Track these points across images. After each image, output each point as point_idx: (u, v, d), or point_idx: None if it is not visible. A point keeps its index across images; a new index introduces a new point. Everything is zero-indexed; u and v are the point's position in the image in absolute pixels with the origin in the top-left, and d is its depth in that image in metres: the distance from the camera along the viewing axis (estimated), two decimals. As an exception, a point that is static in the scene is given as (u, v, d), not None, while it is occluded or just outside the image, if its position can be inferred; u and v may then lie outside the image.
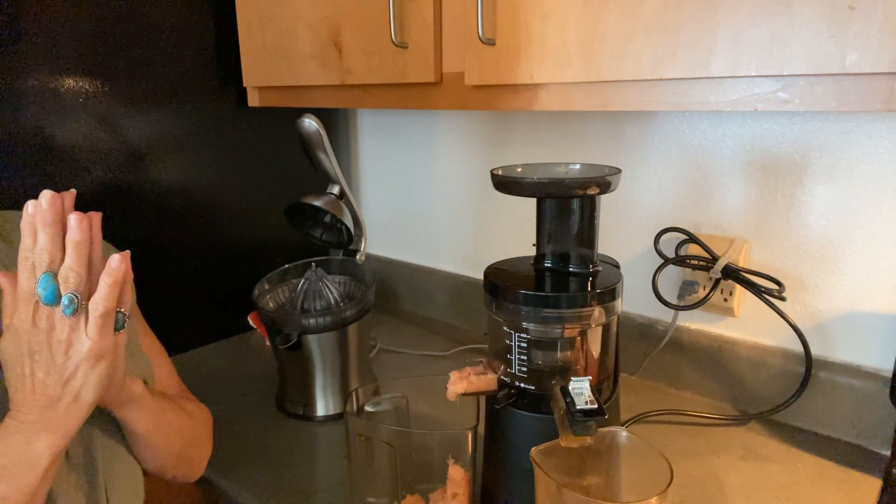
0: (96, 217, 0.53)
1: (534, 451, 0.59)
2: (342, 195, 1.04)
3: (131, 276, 0.54)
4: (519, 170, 0.70)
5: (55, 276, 0.50)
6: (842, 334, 0.88)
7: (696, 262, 0.93)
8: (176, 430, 0.68)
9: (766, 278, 0.88)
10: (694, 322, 1.01)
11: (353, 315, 0.94)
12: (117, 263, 0.51)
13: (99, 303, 0.51)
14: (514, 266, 0.72)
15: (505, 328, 0.66)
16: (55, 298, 0.50)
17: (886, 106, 0.54)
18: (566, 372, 0.66)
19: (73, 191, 0.53)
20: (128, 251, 0.54)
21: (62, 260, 0.51)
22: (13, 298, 0.51)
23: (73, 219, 0.50)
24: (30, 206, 0.50)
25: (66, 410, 0.52)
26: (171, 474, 0.72)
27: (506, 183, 0.65)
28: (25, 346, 0.51)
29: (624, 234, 1.06)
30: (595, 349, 0.67)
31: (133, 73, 1.04)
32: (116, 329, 0.54)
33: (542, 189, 0.65)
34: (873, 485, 0.78)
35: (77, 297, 0.51)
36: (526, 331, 0.65)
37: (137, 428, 0.63)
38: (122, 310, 0.54)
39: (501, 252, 0.79)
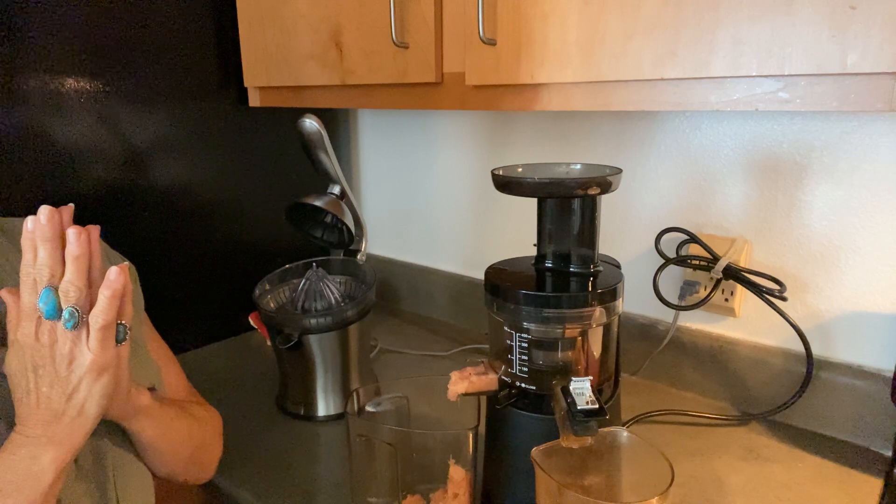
0: (94, 231, 0.53)
1: (535, 451, 0.59)
2: (343, 195, 1.04)
3: (130, 287, 0.54)
4: (520, 170, 0.70)
5: (56, 290, 0.51)
6: (843, 334, 0.88)
7: (697, 263, 0.93)
8: (185, 437, 0.68)
9: (768, 278, 0.88)
10: (695, 322, 1.01)
11: (353, 315, 0.94)
12: (115, 276, 0.52)
13: (99, 316, 0.51)
14: (514, 266, 0.72)
15: (506, 328, 0.66)
16: (56, 313, 0.51)
17: (888, 106, 0.54)
18: (567, 372, 0.66)
19: (72, 205, 0.53)
20: (126, 263, 0.54)
21: (62, 274, 0.51)
22: (17, 314, 0.52)
23: (72, 233, 0.51)
24: (29, 222, 0.51)
25: (71, 424, 0.53)
26: (182, 478, 0.73)
27: (507, 183, 0.65)
28: (29, 360, 0.51)
29: (625, 234, 1.05)
30: (596, 349, 0.67)
31: (133, 73, 1.04)
32: (118, 341, 0.54)
33: (542, 189, 0.65)
34: (874, 485, 0.78)
35: (78, 310, 0.51)
36: (527, 331, 0.65)
37: (146, 437, 0.63)
38: (123, 322, 0.54)
39: (502, 252, 0.79)
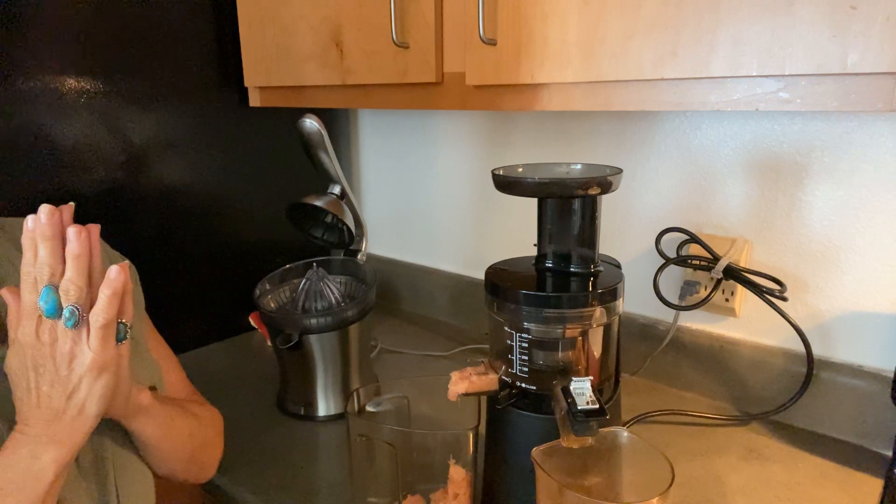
0: (95, 229, 0.53)
1: (535, 451, 0.59)
2: (343, 195, 1.04)
3: (131, 286, 0.54)
4: (520, 170, 0.70)
5: (56, 289, 0.51)
6: (843, 334, 0.88)
7: (697, 263, 0.93)
8: (186, 436, 0.68)
9: (768, 278, 0.88)
10: (695, 322, 1.01)
11: (354, 315, 0.94)
12: (116, 274, 0.52)
13: (99, 314, 0.51)
14: (515, 266, 0.72)
15: (506, 328, 0.66)
16: (57, 311, 0.51)
17: (888, 106, 0.54)
18: (567, 372, 0.66)
19: (72, 204, 0.53)
20: (126, 262, 0.54)
21: (63, 273, 0.51)
22: (17, 313, 0.52)
23: (72, 232, 0.51)
24: (29, 220, 0.51)
25: (71, 423, 0.53)
26: (183, 477, 0.73)
27: (507, 183, 0.65)
28: (30, 359, 0.51)
29: (625, 234, 1.05)
30: (596, 349, 0.67)
31: (134, 74, 1.04)
32: (118, 340, 0.54)
33: (543, 189, 0.65)
34: (875, 485, 0.78)
35: (78, 309, 0.51)
36: (527, 331, 0.65)
37: (146, 437, 0.63)
38: (124, 320, 0.54)
39: (502, 252, 0.79)
